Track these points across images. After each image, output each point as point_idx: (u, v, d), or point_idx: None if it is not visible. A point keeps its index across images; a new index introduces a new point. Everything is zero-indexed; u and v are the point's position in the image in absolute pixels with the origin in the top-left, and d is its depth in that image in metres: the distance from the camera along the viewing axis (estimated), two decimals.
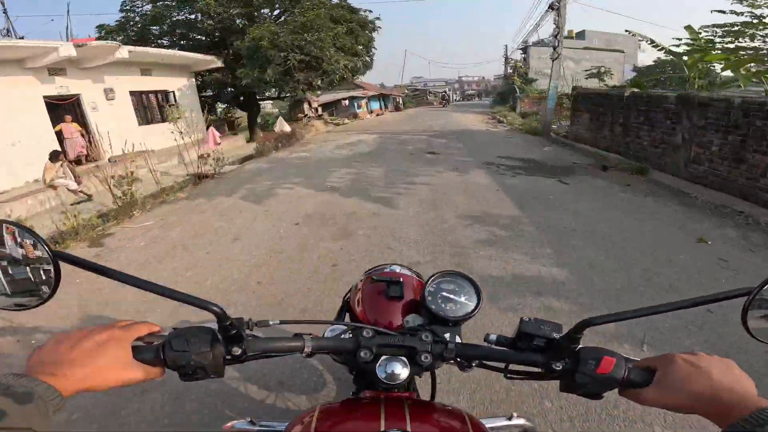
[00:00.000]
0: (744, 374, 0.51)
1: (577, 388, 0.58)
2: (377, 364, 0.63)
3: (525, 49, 31.02)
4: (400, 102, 38.15)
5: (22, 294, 0.53)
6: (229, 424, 0.82)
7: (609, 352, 0.57)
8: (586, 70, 21.47)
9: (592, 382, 0.56)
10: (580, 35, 28.54)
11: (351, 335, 0.71)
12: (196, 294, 0.54)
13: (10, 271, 0.52)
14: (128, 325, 0.56)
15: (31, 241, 0.51)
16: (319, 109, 24.08)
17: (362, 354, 0.61)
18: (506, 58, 33.45)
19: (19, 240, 0.51)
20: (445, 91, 53.12)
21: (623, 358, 0.57)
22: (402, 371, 0.62)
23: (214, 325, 0.57)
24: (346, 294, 1.12)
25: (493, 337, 0.66)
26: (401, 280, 0.91)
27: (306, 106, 22.15)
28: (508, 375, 0.68)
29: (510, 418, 0.84)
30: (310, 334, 0.63)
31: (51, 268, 0.52)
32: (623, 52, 25.19)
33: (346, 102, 26.14)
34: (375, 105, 31.76)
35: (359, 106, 26.73)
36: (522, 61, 28.75)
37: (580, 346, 0.59)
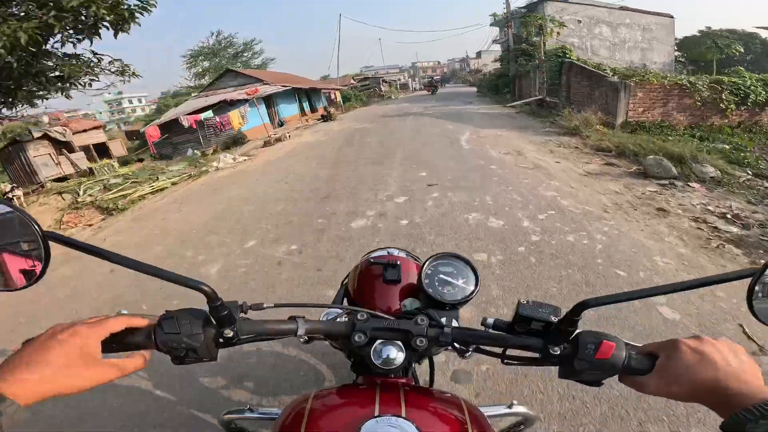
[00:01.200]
0: (751, 361, 0.49)
1: (575, 374, 0.56)
2: (372, 349, 0.61)
3: (533, 5, 18.19)
4: (338, 100, 23.45)
5: (11, 275, 0.51)
6: (226, 411, 0.83)
7: (609, 336, 0.54)
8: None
9: (591, 367, 0.54)
10: None
11: (346, 319, 0.69)
12: None
13: None
14: (97, 321, 0.52)
15: (20, 221, 0.49)
16: (94, 154, 9.10)
17: (356, 338, 0.60)
18: (507, 20, 20.03)
19: (8, 220, 0.50)
20: (431, 77, 39.26)
21: (624, 343, 0.54)
22: (397, 355, 0.61)
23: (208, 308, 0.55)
24: (345, 278, 1.04)
25: (490, 321, 0.64)
26: (398, 263, 0.87)
27: (36, 152, 7.20)
28: (506, 361, 0.65)
29: (510, 406, 0.84)
30: (304, 317, 0.62)
31: (41, 248, 0.50)
32: (672, 17, 18.84)
33: (201, 116, 11.16)
34: (288, 110, 17.09)
35: (224, 126, 11.38)
36: (545, 22, 15.31)
37: (579, 330, 0.56)
